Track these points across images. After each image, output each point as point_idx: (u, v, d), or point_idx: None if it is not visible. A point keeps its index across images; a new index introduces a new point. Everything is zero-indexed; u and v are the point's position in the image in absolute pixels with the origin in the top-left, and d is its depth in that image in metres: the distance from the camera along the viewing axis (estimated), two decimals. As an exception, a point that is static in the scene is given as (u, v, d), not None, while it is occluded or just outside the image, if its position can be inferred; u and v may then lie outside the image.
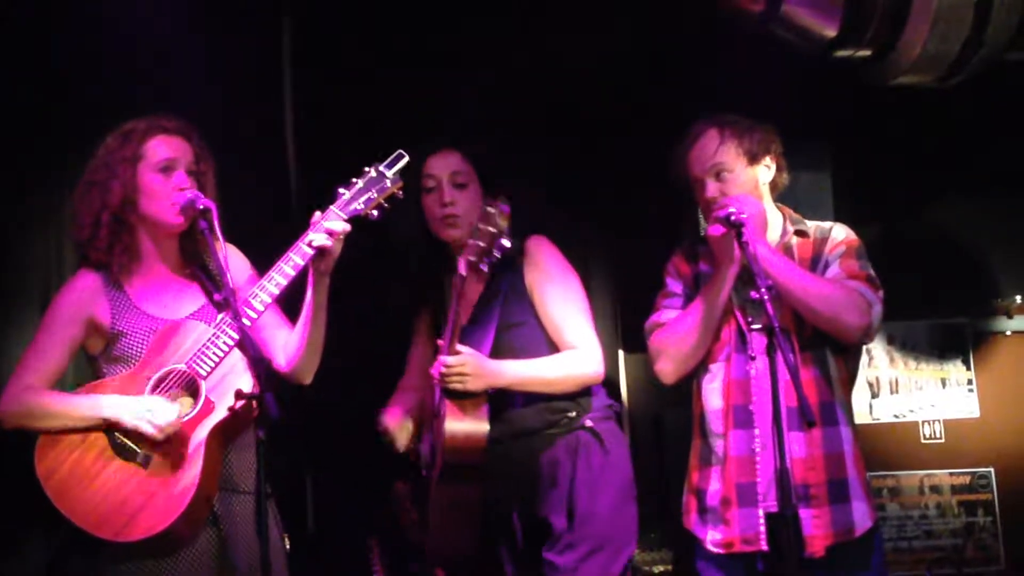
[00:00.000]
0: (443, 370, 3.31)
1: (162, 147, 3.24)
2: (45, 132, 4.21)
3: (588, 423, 3.50)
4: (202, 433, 3.08)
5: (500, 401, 3.42)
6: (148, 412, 3.07)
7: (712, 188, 3.41)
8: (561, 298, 3.51)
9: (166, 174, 3.23)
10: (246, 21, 4.43)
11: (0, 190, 4.20)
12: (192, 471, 3.06)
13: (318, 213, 3.16)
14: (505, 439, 3.42)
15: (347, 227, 3.14)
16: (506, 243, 3.16)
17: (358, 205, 3.15)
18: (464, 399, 3.32)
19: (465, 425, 3.31)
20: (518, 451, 3.47)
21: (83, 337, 3.28)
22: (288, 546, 3.33)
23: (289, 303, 3.27)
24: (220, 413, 3.08)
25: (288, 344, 3.31)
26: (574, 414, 3.49)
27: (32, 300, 4.24)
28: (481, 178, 3.58)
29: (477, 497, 3.38)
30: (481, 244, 3.16)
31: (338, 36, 4.56)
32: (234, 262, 3.24)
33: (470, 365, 3.32)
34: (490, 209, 3.16)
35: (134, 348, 3.22)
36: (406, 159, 3.20)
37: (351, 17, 4.53)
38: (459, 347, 3.32)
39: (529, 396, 3.49)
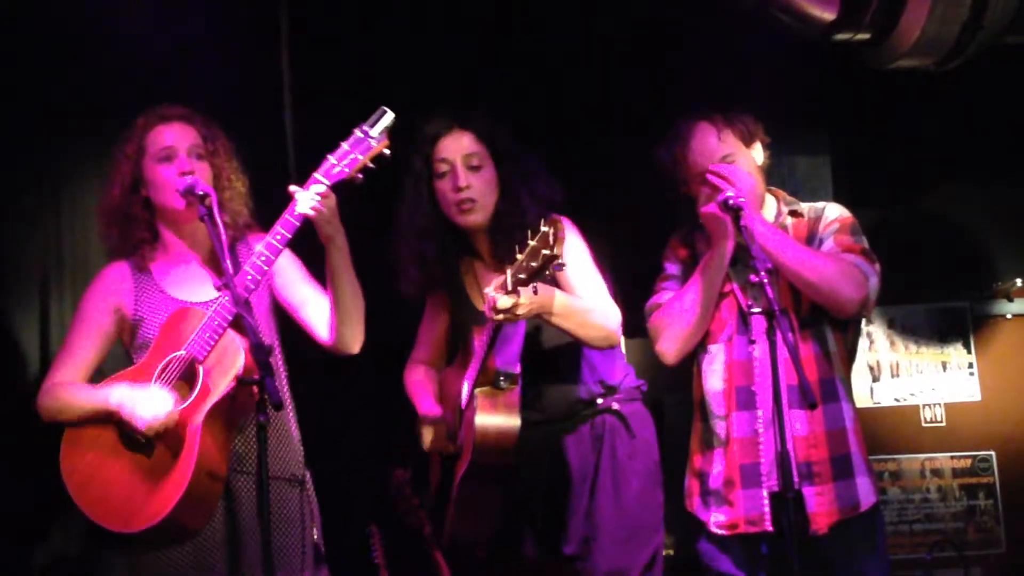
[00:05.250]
0: (499, 305, 3.06)
1: (160, 136, 3.26)
2: (42, 126, 4.21)
3: (615, 405, 3.43)
4: (199, 418, 3.07)
5: (526, 384, 3.30)
6: (138, 406, 3.07)
7: None
8: (583, 275, 3.37)
9: (168, 163, 3.24)
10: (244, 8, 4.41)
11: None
12: (189, 457, 3.05)
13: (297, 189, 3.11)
14: (530, 424, 3.29)
15: (325, 189, 3.06)
16: (563, 263, 2.90)
17: (342, 169, 3.09)
18: (497, 390, 3.22)
19: (497, 420, 3.20)
20: (542, 437, 3.39)
21: (113, 327, 3.32)
22: (317, 536, 3.32)
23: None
24: (217, 394, 3.07)
25: (327, 316, 3.28)
26: (600, 400, 3.43)
27: (31, 293, 4.23)
28: (495, 158, 3.45)
29: (503, 495, 3.31)
30: (533, 265, 2.90)
31: (336, 20, 4.55)
32: (283, 261, 3.24)
33: (523, 303, 3.09)
34: (546, 229, 2.86)
35: (153, 334, 3.23)
36: (390, 116, 3.08)
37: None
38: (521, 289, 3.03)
39: (555, 378, 3.41)
